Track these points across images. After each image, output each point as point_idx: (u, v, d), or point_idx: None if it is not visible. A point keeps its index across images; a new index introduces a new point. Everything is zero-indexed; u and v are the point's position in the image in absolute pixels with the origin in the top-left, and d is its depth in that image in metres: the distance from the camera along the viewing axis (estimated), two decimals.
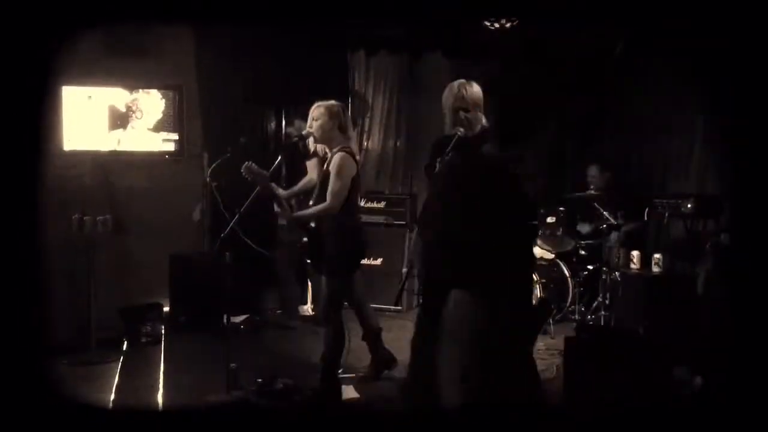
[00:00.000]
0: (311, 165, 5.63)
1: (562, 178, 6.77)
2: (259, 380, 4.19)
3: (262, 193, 4.08)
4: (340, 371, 4.20)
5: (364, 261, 4.39)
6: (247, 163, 4.24)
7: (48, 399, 2.71)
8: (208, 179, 5.79)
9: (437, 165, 3.47)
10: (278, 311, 6.22)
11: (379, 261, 6.23)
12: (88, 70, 5.82)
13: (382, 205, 6.47)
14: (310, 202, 4.13)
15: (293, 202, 5.88)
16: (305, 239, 4.04)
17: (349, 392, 4.14)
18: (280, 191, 4.33)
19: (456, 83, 3.42)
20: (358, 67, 6.87)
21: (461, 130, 3.36)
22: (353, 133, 4.24)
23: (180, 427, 3.50)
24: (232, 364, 4.07)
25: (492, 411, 3.42)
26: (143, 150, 6.06)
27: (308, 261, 4.16)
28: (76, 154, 5.89)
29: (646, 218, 5.80)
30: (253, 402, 4.00)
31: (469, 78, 3.53)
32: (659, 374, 3.29)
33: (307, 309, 6.15)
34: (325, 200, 3.96)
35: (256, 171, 4.03)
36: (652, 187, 6.30)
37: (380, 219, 6.40)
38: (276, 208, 4.13)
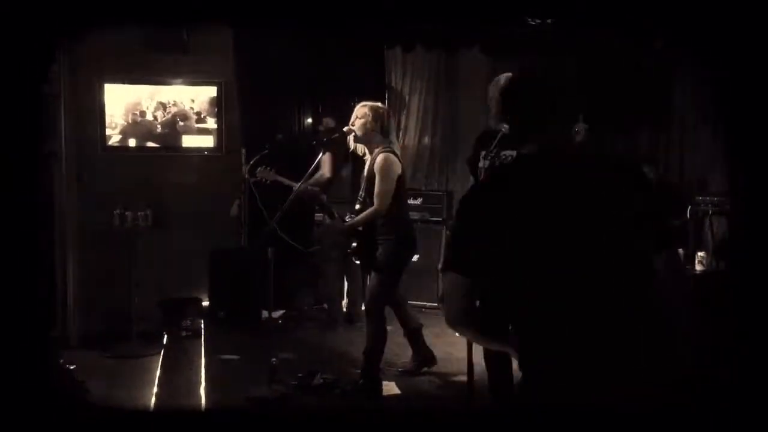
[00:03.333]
0: (325, 160, 5.62)
1: None
2: (300, 375, 4.21)
3: (316, 204, 4.12)
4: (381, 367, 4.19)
5: None
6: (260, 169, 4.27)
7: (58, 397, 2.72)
8: (246, 175, 5.83)
9: (480, 159, 3.45)
10: (316, 307, 6.22)
11: (415, 258, 6.19)
12: (128, 67, 5.91)
13: (418, 201, 6.44)
14: (356, 206, 4.11)
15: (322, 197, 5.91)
16: (354, 244, 4.03)
17: (390, 388, 4.13)
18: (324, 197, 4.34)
19: (502, 77, 3.38)
20: (394, 63, 6.84)
21: (506, 124, 3.33)
22: (395, 138, 4.21)
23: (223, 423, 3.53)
24: (273, 359, 4.09)
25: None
26: (183, 146, 6.14)
27: (357, 262, 4.15)
28: (117, 150, 5.99)
29: (688, 216, 5.70)
30: (294, 397, 4.02)
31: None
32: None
33: (343, 305, 6.16)
34: (371, 202, 3.96)
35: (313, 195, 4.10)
36: (695, 184, 6.19)
37: (417, 215, 6.37)
38: (326, 219, 4.13)
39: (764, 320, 2.17)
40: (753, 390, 2.12)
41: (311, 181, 5.54)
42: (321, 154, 4.71)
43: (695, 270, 5.15)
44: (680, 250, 5.35)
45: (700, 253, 5.16)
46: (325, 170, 5.62)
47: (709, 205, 5.32)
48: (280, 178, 5.45)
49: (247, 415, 3.65)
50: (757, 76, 2.21)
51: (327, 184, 5.55)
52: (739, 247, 2.19)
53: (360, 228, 4.02)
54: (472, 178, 3.62)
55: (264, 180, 5.54)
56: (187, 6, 3.48)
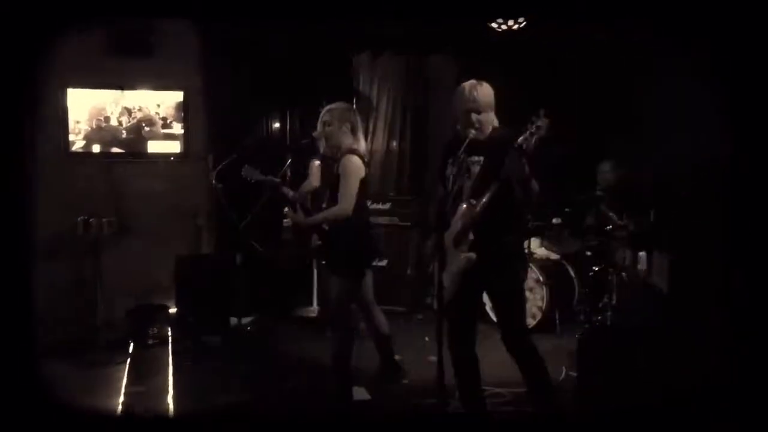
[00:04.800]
0: (314, 169, 5.59)
1: (569, 176, 6.74)
2: (270, 381, 4.20)
3: (277, 197, 4.09)
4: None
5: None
6: (246, 167, 4.29)
7: (46, 402, 2.70)
8: (213, 181, 5.78)
9: (448, 166, 3.47)
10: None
11: (384, 262, 6.22)
12: (92, 72, 5.83)
13: (387, 206, 6.46)
14: (323, 205, 4.12)
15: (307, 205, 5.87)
16: (319, 241, 4.05)
17: (360, 393, 4.13)
18: (291, 194, 4.33)
19: (467, 84, 3.40)
20: (363, 67, 6.86)
21: (472, 131, 3.36)
22: (362, 135, 4.23)
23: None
24: (243, 366, 4.06)
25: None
26: (149, 151, 6.06)
27: (323, 262, 4.16)
28: (81, 156, 5.89)
29: (652, 219, 5.78)
30: (264, 404, 4.00)
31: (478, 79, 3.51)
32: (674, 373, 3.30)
33: (313, 310, 6.15)
34: (335, 203, 3.96)
35: (263, 178, 4.07)
36: (659, 187, 6.29)
37: (385, 220, 6.39)
38: (288, 211, 4.11)
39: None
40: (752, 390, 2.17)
41: (302, 190, 5.48)
42: (291, 161, 4.68)
43: None
44: (642, 253, 5.44)
45: None
46: (314, 180, 5.55)
47: None
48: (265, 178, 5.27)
49: (216, 423, 3.64)
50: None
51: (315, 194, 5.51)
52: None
53: (325, 227, 4.03)
54: (440, 186, 3.63)
55: (249, 179, 5.39)
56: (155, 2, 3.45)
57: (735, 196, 2.34)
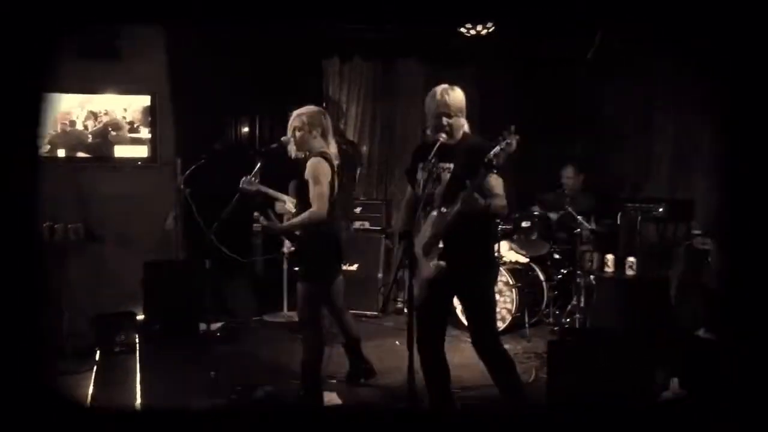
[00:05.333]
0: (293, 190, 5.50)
1: (534, 180, 6.83)
2: (239, 388, 4.16)
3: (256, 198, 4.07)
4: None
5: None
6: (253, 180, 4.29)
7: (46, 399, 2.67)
8: (181, 186, 5.72)
9: (419, 170, 3.48)
10: (256, 318, 6.16)
11: (355, 267, 6.22)
12: (60, 76, 5.73)
13: (357, 210, 6.46)
14: (293, 211, 4.09)
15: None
16: (292, 247, 4.02)
17: (332, 398, 4.11)
18: (289, 205, 4.28)
19: (439, 88, 3.42)
20: (332, 73, 6.86)
21: (443, 135, 3.37)
22: (332, 139, 4.19)
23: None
24: (212, 372, 4.02)
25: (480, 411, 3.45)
26: (115, 156, 5.99)
27: (296, 268, 4.13)
28: (46, 161, 5.79)
29: (618, 221, 5.86)
30: (234, 410, 3.96)
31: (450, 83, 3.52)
32: (643, 376, 3.35)
33: (283, 315, 6.12)
34: (305, 209, 3.92)
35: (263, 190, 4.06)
36: (624, 190, 6.40)
37: (356, 224, 6.39)
38: (262, 220, 4.02)
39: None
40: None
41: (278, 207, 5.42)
42: (260, 165, 4.63)
43: (626, 275, 5.31)
44: (609, 255, 5.52)
45: (630, 258, 5.32)
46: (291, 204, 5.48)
47: (639, 211, 5.48)
48: (267, 190, 4.97)
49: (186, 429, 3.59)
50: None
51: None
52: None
53: (297, 233, 4.00)
54: (410, 189, 3.64)
55: (250, 191, 5.15)
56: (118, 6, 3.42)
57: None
